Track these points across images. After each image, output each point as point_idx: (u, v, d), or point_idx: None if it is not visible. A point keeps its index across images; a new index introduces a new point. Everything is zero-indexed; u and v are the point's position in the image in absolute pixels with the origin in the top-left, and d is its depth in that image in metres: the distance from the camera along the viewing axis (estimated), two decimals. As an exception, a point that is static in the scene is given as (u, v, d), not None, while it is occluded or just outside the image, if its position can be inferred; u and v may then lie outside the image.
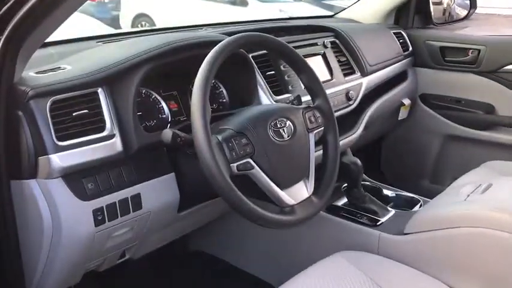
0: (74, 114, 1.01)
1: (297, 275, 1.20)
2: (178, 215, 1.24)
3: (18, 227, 1.02)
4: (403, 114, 2.21)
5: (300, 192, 1.11)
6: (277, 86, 1.44)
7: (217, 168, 0.95)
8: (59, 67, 1.10)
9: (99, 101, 1.05)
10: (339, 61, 1.73)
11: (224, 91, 1.39)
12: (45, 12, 0.86)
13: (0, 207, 0.99)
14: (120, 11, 7.49)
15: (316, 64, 1.61)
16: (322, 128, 1.19)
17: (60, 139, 0.98)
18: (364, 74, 1.81)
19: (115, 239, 1.12)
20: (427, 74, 2.24)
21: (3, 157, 0.96)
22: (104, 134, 1.04)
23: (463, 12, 2.49)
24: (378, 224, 1.44)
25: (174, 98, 1.29)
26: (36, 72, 1.06)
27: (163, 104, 1.25)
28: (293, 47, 1.20)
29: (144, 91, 1.22)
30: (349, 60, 1.79)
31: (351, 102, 1.69)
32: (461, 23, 2.50)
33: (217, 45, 1.04)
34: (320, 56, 1.66)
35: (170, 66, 1.19)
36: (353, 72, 1.78)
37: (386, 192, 1.69)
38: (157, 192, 1.14)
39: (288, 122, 1.11)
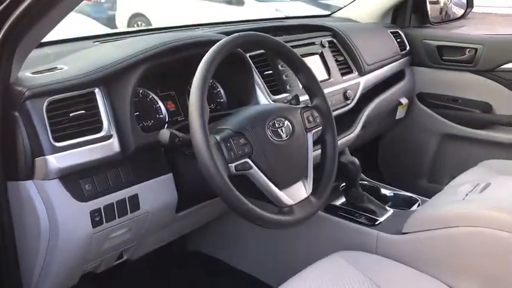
0: (70, 114, 1.00)
1: (296, 275, 1.20)
2: (176, 216, 1.24)
3: (14, 229, 1.01)
4: (400, 113, 2.21)
5: (299, 192, 1.10)
6: (275, 86, 1.43)
7: (216, 169, 0.94)
8: (56, 67, 1.09)
9: (96, 101, 1.05)
10: (336, 60, 1.73)
11: (222, 91, 1.38)
12: (41, 12, 0.85)
13: (-3, 208, 0.98)
14: (116, 10, 7.47)
15: (314, 63, 1.60)
16: (320, 127, 1.19)
17: (57, 140, 0.97)
18: (361, 73, 1.80)
19: (113, 240, 1.11)
20: (424, 73, 2.24)
21: None
22: (101, 134, 1.04)
23: (459, 11, 2.49)
24: (376, 223, 1.44)
25: (172, 98, 1.28)
26: (33, 73, 1.05)
27: (161, 104, 1.25)
28: (291, 46, 1.20)
29: (141, 91, 1.21)
30: (347, 59, 1.78)
31: (348, 102, 1.69)
32: (457, 22, 2.50)
33: (215, 45, 1.03)
34: (318, 56, 1.66)
35: (167, 66, 1.18)
36: (350, 72, 1.78)
37: (384, 191, 1.69)
38: (155, 192, 1.14)
39: (286, 122, 1.11)
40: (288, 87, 1.47)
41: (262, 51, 1.43)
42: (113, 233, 1.09)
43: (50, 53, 1.25)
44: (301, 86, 1.46)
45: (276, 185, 1.05)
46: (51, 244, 1.01)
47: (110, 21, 6.96)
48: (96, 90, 1.05)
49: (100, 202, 1.03)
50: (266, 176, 1.04)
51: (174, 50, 1.17)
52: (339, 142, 1.52)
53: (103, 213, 1.04)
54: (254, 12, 6.70)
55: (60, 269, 1.07)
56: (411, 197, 1.64)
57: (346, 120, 1.72)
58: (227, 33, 1.20)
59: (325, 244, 1.46)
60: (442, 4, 2.47)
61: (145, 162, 1.13)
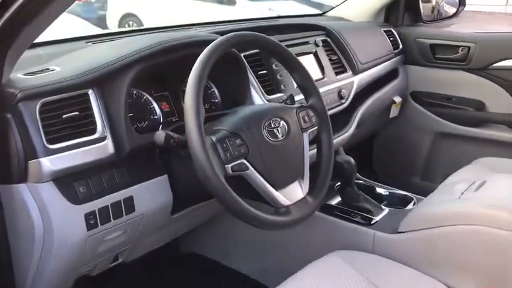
0: (64, 116, 0.99)
1: (292, 276, 1.19)
2: (172, 217, 1.23)
3: (8, 233, 1.00)
4: (394, 112, 2.21)
5: (295, 192, 1.10)
6: (270, 86, 1.43)
7: (212, 170, 0.93)
8: (48, 68, 1.08)
9: (90, 102, 1.03)
10: (330, 60, 1.73)
11: (216, 91, 1.38)
12: (34, 13, 0.84)
13: (-11, 212, 0.97)
14: (107, 10, 7.44)
15: (308, 63, 1.60)
16: (316, 127, 1.19)
17: (50, 142, 0.96)
18: (355, 72, 1.80)
19: (107, 243, 1.10)
20: (417, 72, 2.24)
21: None
22: (95, 136, 1.03)
23: (451, 10, 2.49)
24: (373, 222, 1.44)
25: (166, 99, 1.27)
26: (25, 74, 1.04)
27: (155, 105, 1.24)
28: (285, 45, 1.19)
29: (135, 92, 1.20)
30: (341, 58, 1.78)
31: (343, 101, 1.69)
32: (447, 21, 2.50)
33: (210, 45, 1.03)
34: (312, 55, 1.66)
35: (161, 66, 1.17)
36: (344, 71, 1.78)
37: (379, 190, 1.70)
38: (150, 194, 1.13)
39: (282, 122, 1.10)
40: (282, 86, 1.46)
41: (256, 50, 1.42)
42: (108, 236, 1.08)
43: (42, 53, 1.24)
44: (295, 86, 1.46)
45: (272, 186, 1.04)
46: (45, 248, 1.00)
47: (101, 22, 6.92)
48: (90, 92, 1.04)
49: (95, 205, 1.02)
50: (262, 177, 1.03)
51: (169, 50, 1.16)
52: (334, 141, 1.52)
53: (98, 216, 1.02)
54: (246, 11, 6.69)
55: (55, 272, 1.05)
56: (406, 195, 1.65)
57: (340, 120, 1.72)
58: (221, 33, 1.19)
59: (321, 244, 1.46)
60: (434, 3, 2.48)
61: (140, 164, 1.11)
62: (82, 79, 1.02)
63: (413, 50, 2.22)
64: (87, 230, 1.01)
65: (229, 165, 0.99)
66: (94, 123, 1.03)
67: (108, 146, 1.04)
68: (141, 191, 1.10)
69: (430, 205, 1.35)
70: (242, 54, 1.35)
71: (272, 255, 1.63)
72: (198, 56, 1.01)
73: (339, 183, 1.59)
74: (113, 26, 7.08)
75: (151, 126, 1.21)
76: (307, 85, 1.21)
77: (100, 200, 1.03)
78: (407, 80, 2.25)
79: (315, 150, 1.21)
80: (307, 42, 1.67)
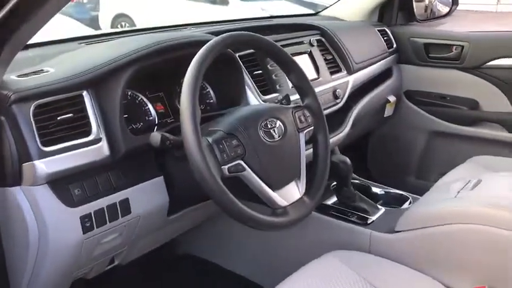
0: (58, 118, 0.98)
1: (289, 277, 1.19)
2: (168, 219, 1.22)
3: (2, 237, 0.99)
4: (388, 111, 2.21)
5: (292, 193, 1.09)
6: (265, 86, 1.43)
7: (208, 171, 0.93)
8: (42, 70, 1.07)
9: (85, 104, 1.02)
10: (325, 59, 1.72)
11: (211, 91, 1.37)
12: (27, 14, 0.83)
13: (-17, 216, 0.95)
14: (99, 11, 7.41)
15: (303, 63, 1.59)
16: (312, 127, 1.18)
17: (45, 144, 0.95)
18: (350, 72, 1.80)
19: (104, 246, 1.09)
20: (411, 71, 2.25)
21: None
22: (90, 138, 1.02)
23: (444, 9, 2.50)
24: (369, 222, 1.44)
25: (161, 100, 1.26)
26: (18, 76, 1.02)
27: (150, 106, 1.23)
28: (280, 45, 1.19)
29: (129, 93, 1.19)
30: (335, 58, 1.78)
31: (338, 101, 1.69)
32: (440, 20, 2.51)
33: (205, 45, 1.02)
34: (306, 55, 1.65)
35: (157, 66, 1.16)
36: (339, 71, 1.78)
37: (375, 189, 1.69)
38: (146, 196, 1.12)
39: (278, 122, 1.10)
40: (277, 86, 1.46)
41: (251, 51, 1.42)
42: (104, 239, 1.07)
43: (35, 55, 1.22)
44: (290, 86, 1.46)
45: (269, 186, 1.04)
46: (40, 251, 0.99)
47: (93, 22, 6.89)
48: (84, 93, 1.03)
49: (90, 207, 1.01)
50: (259, 178, 1.03)
51: (165, 50, 1.15)
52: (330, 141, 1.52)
53: (94, 218, 1.01)
54: (239, 11, 6.69)
55: (50, 276, 1.04)
56: (402, 194, 1.65)
57: (335, 119, 1.72)
58: (216, 33, 1.19)
59: (318, 244, 1.45)
60: (427, 2, 2.48)
61: (136, 166, 1.11)
62: (76, 80, 1.01)
63: (407, 49, 2.22)
64: (83, 233, 1.00)
65: (226, 167, 0.98)
66: (89, 125, 1.02)
67: (103, 148, 1.03)
68: (137, 193, 1.10)
69: (426, 204, 1.35)
70: (237, 55, 1.35)
71: (268, 256, 1.62)
72: (194, 56, 1.00)
73: (334, 183, 1.58)
74: (105, 27, 7.06)
75: (146, 128, 1.20)
76: (302, 85, 1.20)
77: (96, 203, 1.02)
78: (401, 79, 2.25)
79: (311, 150, 1.21)
80: (301, 42, 1.67)
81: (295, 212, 1.07)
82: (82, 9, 7.21)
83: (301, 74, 1.20)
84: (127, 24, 7.15)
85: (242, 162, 1.01)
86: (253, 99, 1.36)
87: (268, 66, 1.46)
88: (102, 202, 1.03)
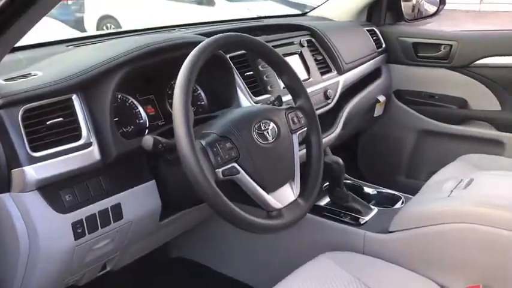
0: (48, 122, 0.96)
1: (284, 279, 1.18)
2: (160, 223, 1.20)
3: None
4: (378, 111, 2.21)
5: (286, 195, 1.09)
6: (256, 87, 1.42)
7: (203, 175, 0.92)
8: (30, 73, 1.05)
9: (74, 108, 1.01)
10: (315, 60, 1.72)
11: (202, 93, 1.36)
12: (14, 16, 0.81)
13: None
14: (84, 13, 7.34)
15: (294, 63, 1.58)
16: (305, 128, 1.18)
17: (34, 150, 0.93)
18: (340, 72, 1.80)
19: (95, 252, 1.07)
20: (400, 70, 2.25)
21: None
22: (81, 142, 1.00)
23: (431, 8, 2.51)
24: (362, 223, 1.43)
25: (151, 102, 1.25)
26: (5, 80, 1.00)
27: (140, 109, 1.21)
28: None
29: (119, 96, 1.17)
30: (326, 58, 1.78)
31: (329, 101, 1.68)
32: (426, 19, 2.52)
33: (197, 47, 1.01)
34: (297, 55, 1.65)
35: (147, 68, 1.14)
36: (330, 71, 1.77)
37: (367, 190, 1.69)
38: (138, 201, 1.10)
39: (272, 124, 1.09)
40: (269, 88, 1.45)
41: (242, 52, 1.41)
42: (96, 245, 1.05)
43: (22, 58, 1.20)
44: (282, 87, 1.45)
45: (263, 189, 1.03)
46: (31, 259, 0.96)
47: (78, 24, 6.83)
48: (74, 97, 1.01)
49: (82, 213, 0.99)
50: (253, 180, 1.02)
51: (156, 52, 1.13)
52: (322, 142, 1.51)
53: (85, 224, 0.99)
54: (225, 12, 6.68)
55: (41, 284, 1.02)
56: (394, 194, 1.64)
57: (327, 120, 1.71)
58: (206, 35, 1.18)
59: (311, 246, 1.45)
60: (414, 1, 2.49)
61: (127, 170, 1.09)
62: (65, 84, 0.99)
63: (396, 48, 2.23)
64: (75, 240, 0.98)
65: (220, 170, 0.97)
66: (79, 129, 1.00)
67: (94, 153, 1.02)
68: (129, 198, 1.08)
69: (419, 204, 1.35)
70: (228, 56, 1.33)
71: (262, 259, 1.61)
72: (185, 58, 0.99)
73: (327, 184, 1.58)
74: (90, 28, 6.99)
75: (137, 131, 1.19)
76: (295, 86, 1.20)
77: (87, 208, 1.00)
78: (391, 79, 2.26)
79: (304, 151, 1.20)
80: (292, 43, 1.66)
81: (290, 214, 1.07)
82: (67, 10, 7.13)
83: (293, 75, 1.19)
84: (113, 26, 7.09)
85: (236, 165, 1.00)
86: (245, 100, 1.35)
87: (259, 67, 1.45)
88: (94, 208, 1.01)
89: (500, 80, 2.03)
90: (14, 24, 0.80)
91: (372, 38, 2.15)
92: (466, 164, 1.70)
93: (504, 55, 2.01)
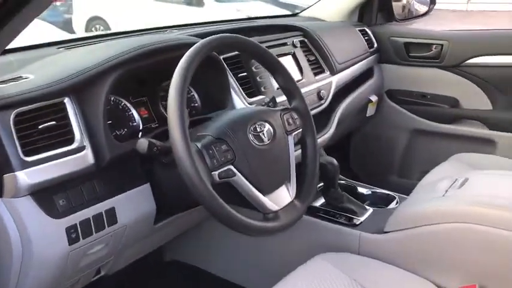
0: (40, 126, 0.94)
1: (280, 281, 1.17)
2: (155, 227, 1.19)
3: None
4: (371, 111, 2.22)
5: (283, 197, 1.08)
6: (250, 88, 1.41)
7: (199, 177, 0.91)
8: (21, 76, 1.03)
9: (67, 111, 0.99)
10: (308, 60, 1.72)
11: (196, 95, 1.34)
12: (7, 15, 0.79)
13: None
14: (73, 14, 7.27)
15: (287, 64, 1.56)
16: (301, 129, 1.17)
17: (26, 154, 0.91)
18: (333, 72, 1.80)
19: (90, 257, 1.06)
20: (392, 70, 2.26)
21: None
22: (74, 146, 0.98)
23: (421, 8, 2.52)
24: (358, 223, 1.43)
25: (144, 104, 1.23)
26: None
27: (134, 111, 1.20)
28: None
29: (112, 98, 1.16)
30: (318, 59, 1.78)
31: (322, 102, 1.68)
32: (414, 19, 2.53)
33: (192, 48, 1.00)
34: (290, 56, 1.64)
35: (141, 70, 1.13)
36: (322, 71, 1.77)
37: (361, 190, 1.69)
38: (133, 204, 1.09)
39: (267, 126, 1.08)
40: (262, 89, 1.44)
41: (235, 53, 1.40)
42: (90, 250, 1.04)
43: (13, 60, 1.18)
44: (275, 88, 1.45)
45: (260, 191, 1.02)
46: (24, 265, 0.95)
47: (67, 25, 6.77)
48: (66, 100, 0.99)
49: (76, 218, 0.97)
50: (250, 182, 1.01)
51: (150, 53, 1.12)
52: (316, 143, 1.51)
53: (79, 229, 0.98)
54: (215, 12, 6.66)
55: None
56: (388, 194, 1.64)
57: (320, 120, 1.71)
58: (199, 36, 1.17)
59: (307, 247, 1.44)
60: (405, 1, 2.50)
61: (121, 173, 1.08)
62: (58, 87, 0.98)
63: (387, 48, 2.23)
64: (69, 245, 0.97)
65: (216, 172, 0.96)
66: (72, 132, 0.99)
67: (87, 156, 1.00)
68: (123, 202, 1.07)
69: (414, 204, 1.35)
70: (221, 57, 1.32)
71: (256, 261, 1.60)
72: (179, 59, 0.98)
73: (321, 184, 1.57)
74: (79, 30, 6.94)
75: (130, 134, 1.17)
76: (289, 87, 1.19)
77: (81, 213, 0.98)
78: (383, 79, 2.27)
79: (298, 152, 1.19)
80: (285, 44, 1.66)
81: (287, 216, 1.06)
82: (55, 12, 7.05)
83: (288, 76, 1.19)
84: (102, 27, 7.04)
85: (232, 167, 0.99)
86: (239, 102, 1.34)
87: (253, 68, 1.44)
88: (88, 212, 1.00)
89: (491, 79, 2.04)
90: (8, 24, 0.79)
91: (364, 38, 2.15)
92: (459, 163, 1.71)
93: (495, 54, 2.02)
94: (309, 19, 2.25)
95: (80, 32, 6.95)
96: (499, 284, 1.15)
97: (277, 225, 1.03)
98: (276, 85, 1.46)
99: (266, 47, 1.29)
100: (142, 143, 0.97)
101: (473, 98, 2.09)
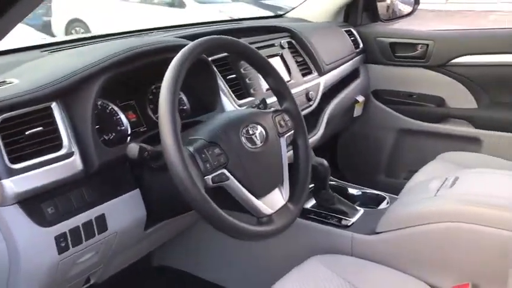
0: (27, 132, 0.92)
1: (273, 285, 1.16)
2: (145, 233, 1.17)
3: None
4: (358, 111, 2.22)
5: (276, 200, 1.07)
6: (239, 90, 1.40)
7: (192, 183, 0.89)
8: (5, 81, 1.00)
9: (54, 116, 0.96)
10: (296, 61, 1.71)
11: (184, 98, 1.32)
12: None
13: None
14: (52, 16, 7.16)
15: (276, 65, 1.53)
16: (292, 131, 1.16)
17: (13, 161, 0.88)
18: (321, 73, 1.80)
19: (79, 266, 1.03)
20: (377, 70, 2.27)
21: None
22: (62, 152, 0.95)
23: (405, 8, 2.54)
24: (349, 224, 1.42)
25: (132, 108, 1.21)
26: None
27: (122, 115, 1.17)
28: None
29: (99, 102, 1.13)
30: (306, 60, 1.77)
31: (311, 103, 1.68)
32: (399, 19, 2.55)
33: (183, 50, 0.98)
34: (278, 57, 1.64)
35: (129, 73, 1.10)
36: (310, 72, 1.77)
37: (351, 191, 1.68)
38: (123, 210, 1.06)
39: (260, 128, 1.07)
40: (251, 90, 1.43)
41: (224, 54, 1.38)
42: (80, 258, 1.01)
43: None
44: (265, 89, 1.44)
45: (253, 195, 1.01)
46: (12, 276, 0.92)
47: (46, 28, 6.66)
48: (53, 105, 0.96)
49: (65, 226, 0.94)
50: (243, 186, 0.99)
51: (139, 56, 1.10)
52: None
53: (69, 237, 0.95)
54: (197, 14, 6.64)
55: None
56: (378, 194, 1.64)
57: (309, 121, 1.70)
58: (186, 37, 1.15)
59: (299, 249, 1.43)
60: (389, 1, 2.52)
61: (111, 179, 1.05)
62: (44, 91, 0.95)
63: (373, 49, 2.24)
64: (58, 254, 0.94)
65: (210, 177, 0.95)
66: (60, 138, 0.96)
67: (76, 162, 0.97)
68: (113, 208, 1.04)
69: (406, 204, 1.34)
70: (210, 59, 1.31)
71: (248, 265, 1.58)
72: (168, 61, 0.96)
73: (312, 186, 1.56)
74: (58, 32, 6.83)
75: (118, 138, 1.15)
76: (280, 88, 1.18)
77: (70, 221, 0.95)
78: (369, 79, 2.27)
79: (290, 152, 1.18)
80: (273, 45, 1.65)
81: (281, 219, 1.05)
82: (33, 14, 6.91)
83: (279, 77, 1.17)
84: (82, 30, 6.95)
85: (226, 171, 0.97)
86: (228, 104, 1.32)
87: (242, 70, 1.43)
88: (77, 220, 0.97)
89: (476, 78, 2.06)
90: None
91: (350, 38, 2.15)
92: (447, 162, 1.72)
93: (479, 54, 2.04)
94: (295, 20, 2.24)
95: (59, 34, 6.85)
96: (492, 283, 1.16)
97: (272, 229, 1.02)
98: (265, 87, 1.45)
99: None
100: (133, 148, 0.95)
101: (459, 97, 2.10)
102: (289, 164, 1.13)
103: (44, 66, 1.12)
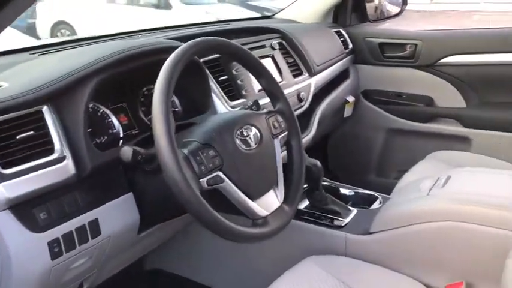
0: (18, 137, 0.90)
1: (268, 287, 1.15)
2: (139, 236, 1.15)
3: None
4: (348, 111, 2.23)
5: (271, 201, 1.06)
6: (231, 91, 1.39)
7: (187, 185, 0.88)
8: None
9: (45, 120, 0.94)
10: (287, 62, 1.71)
11: (176, 100, 1.31)
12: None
13: None
14: (36, 18, 7.08)
15: (267, 66, 1.56)
16: (286, 132, 1.16)
17: (4, 166, 0.87)
18: (311, 74, 1.80)
19: (73, 271, 1.01)
20: (367, 70, 2.28)
21: None
22: (54, 156, 0.94)
23: (393, 9, 2.56)
24: (343, 225, 1.42)
25: (123, 111, 1.19)
26: None
27: (113, 118, 1.16)
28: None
29: (91, 105, 1.11)
30: (297, 61, 1.77)
31: (302, 104, 1.68)
32: (387, 20, 2.56)
33: (176, 51, 0.97)
34: (270, 58, 1.63)
35: (121, 75, 1.09)
36: (301, 73, 1.77)
37: (343, 191, 1.68)
38: (116, 215, 1.05)
39: (254, 129, 1.07)
40: (243, 92, 1.42)
41: (215, 56, 1.37)
42: (74, 264, 0.99)
43: None
44: (257, 90, 1.43)
45: (248, 197, 1.01)
46: (3, 282, 0.90)
47: (31, 30, 6.58)
48: (44, 109, 0.95)
49: (58, 231, 0.93)
50: (238, 188, 0.99)
51: (132, 58, 1.08)
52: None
53: (62, 243, 0.93)
54: (183, 15, 6.62)
55: None
56: (371, 194, 1.64)
57: (301, 122, 1.69)
58: (176, 39, 1.14)
59: (293, 251, 1.43)
60: (377, 2, 2.53)
61: (103, 183, 1.04)
62: (35, 95, 0.93)
63: (362, 49, 2.25)
64: (51, 260, 0.92)
65: (205, 179, 0.94)
66: (51, 142, 0.94)
67: (68, 167, 0.96)
68: (106, 212, 1.03)
69: (399, 204, 1.35)
70: (201, 60, 1.30)
71: (242, 267, 1.58)
72: (161, 63, 0.95)
73: (305, 187, 1.56)
74: (44, 35, 6.77)
75: (110, 141, 1.13)
76: (274, 90, 1.18)
77: (63, 226, 0.94)
78: (358, 79, 2.28)
79: (284, 153, 1.18)
80: (263, 46, 1.65)
81: (276, 221, 1.04)
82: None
83: (271, 79, 1.17)
84: (67, 32, 6.89)
85: (221, 174, 0.96)
86: (221, 105, 1.32)
87: (233, 71, 1.42)
88: (70, 225, 0.95)
89: (464, 77, 2.08)
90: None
91: (339, 39, 2.16)
92: (437, 162, 1.73)
93: (467, 53, 2.06)
94: (284, 21, 2.24)
95: (45, 37, 6.78)
96: (485, 280, 1.16)
97: (267, 230, 1.02)
98: (257, 88, 1.45)
99: (245, 49, 1.28)
100: (126, 152, 0.94)
101: (448, 97, 2.12)
102: (283, 165, 1.13)
103: (34, 69, 1.10)
